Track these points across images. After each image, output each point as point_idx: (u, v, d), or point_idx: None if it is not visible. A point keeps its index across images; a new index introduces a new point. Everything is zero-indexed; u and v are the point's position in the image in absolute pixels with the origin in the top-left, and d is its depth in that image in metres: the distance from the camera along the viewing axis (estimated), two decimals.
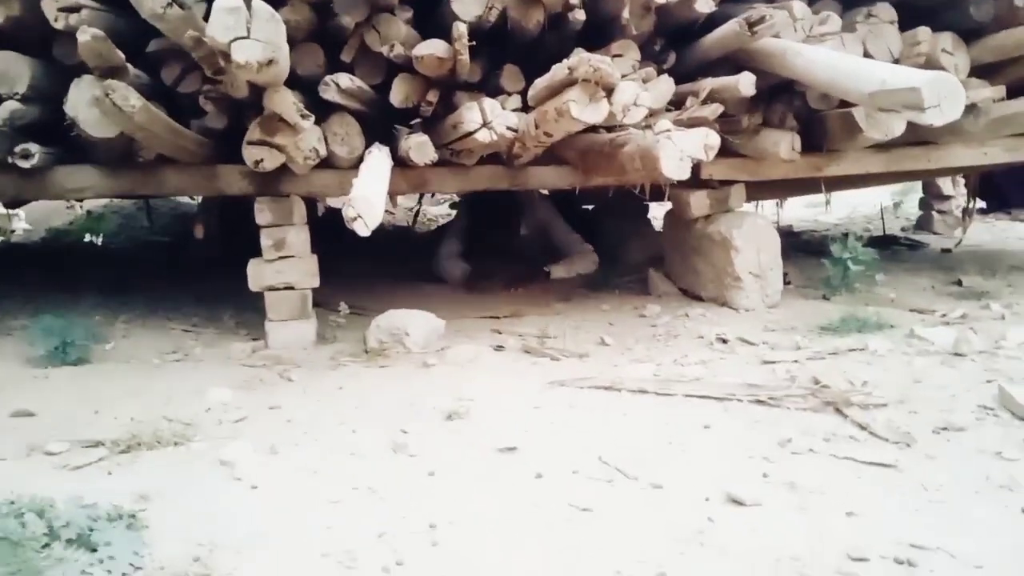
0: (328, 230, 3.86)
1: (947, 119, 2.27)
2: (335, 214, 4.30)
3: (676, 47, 3.33)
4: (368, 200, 2.03)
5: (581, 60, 2.44)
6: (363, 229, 2.04)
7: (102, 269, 4.80)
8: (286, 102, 2.43)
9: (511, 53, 3.15)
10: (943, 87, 2.27)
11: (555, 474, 1.82)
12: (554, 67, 2.59)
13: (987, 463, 1.82)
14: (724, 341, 2.90)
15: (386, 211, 2.42)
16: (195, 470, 1.89)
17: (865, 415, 2.10)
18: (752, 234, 3.40)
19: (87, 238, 5.87)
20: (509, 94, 3.12)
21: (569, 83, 2.52)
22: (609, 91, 2.54)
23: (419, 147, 2.89)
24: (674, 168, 2.61)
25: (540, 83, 2.69)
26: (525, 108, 3.00)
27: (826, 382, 2.31)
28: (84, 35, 2.27)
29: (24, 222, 6.58)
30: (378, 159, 2.64)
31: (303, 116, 2.50)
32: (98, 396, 2.43)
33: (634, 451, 1.93)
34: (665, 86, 3.04)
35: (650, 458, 1.89)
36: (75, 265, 4.98)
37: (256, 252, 3.07)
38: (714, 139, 2.70)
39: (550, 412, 2.23)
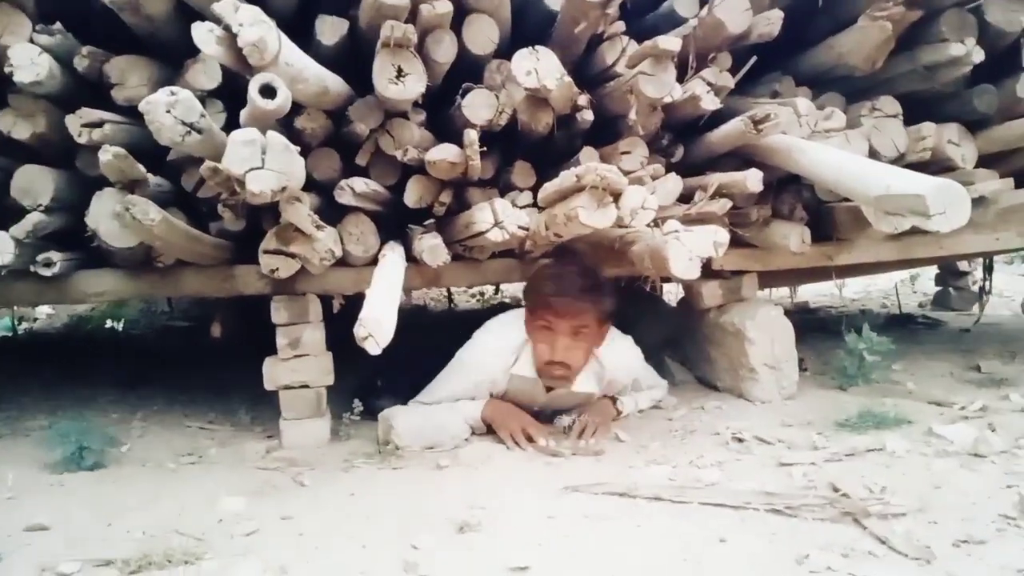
0: (342, 323, 3.89)
1: (953, 226, 2.27)
2: (351, 306, 4.30)
3: (683, 140, 3.38)
4: (378, 321, 2.06)
5: (588, 169, 2.48)
6: (374, 348, 2.06)
7: (121, 358, 4.86)
8: (301, 215, 2.49)
9: (521, 149, 3.21)
10: (949, 195, 2.27)
11: None
12: (562, 173, 2.64)
13: None
14: (740, 440, 2.87)
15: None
16: None
17: (884, 526, 2.06)
18: (766, 325, 3.39)
19: (108, 324, 5.96)
20: (521, 190, 3.18)
21: (577, 189, 2.56)
22: (617, 196, 2.57)
23: (431, 250, 2.93)
24: (683, 268, 2.64)
25: (549, 187, 2.74)
26: (536, 203, 3.04)
27: (844, 489, 2.27)
28: (106, 154, 2.34)
29: (47, 307, 6.70)
30: (391, 264, 2.67)
31: (318, 227, 2.55)
32: (112, 505, 2.44)
33: (648, 568, 1.90)
34: (673, 184, 3.09)
35: None
36: (94, 354, 5.05)
37: (272, 343, 3.09)
38: (723, 236, 2.72)
39: (564, 523, 2.21)
